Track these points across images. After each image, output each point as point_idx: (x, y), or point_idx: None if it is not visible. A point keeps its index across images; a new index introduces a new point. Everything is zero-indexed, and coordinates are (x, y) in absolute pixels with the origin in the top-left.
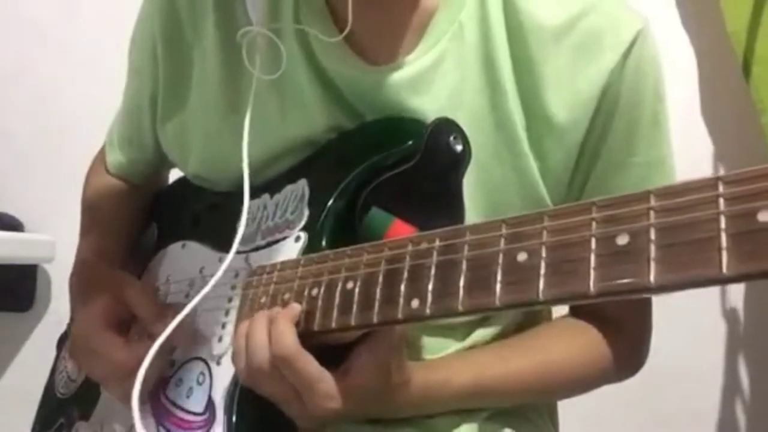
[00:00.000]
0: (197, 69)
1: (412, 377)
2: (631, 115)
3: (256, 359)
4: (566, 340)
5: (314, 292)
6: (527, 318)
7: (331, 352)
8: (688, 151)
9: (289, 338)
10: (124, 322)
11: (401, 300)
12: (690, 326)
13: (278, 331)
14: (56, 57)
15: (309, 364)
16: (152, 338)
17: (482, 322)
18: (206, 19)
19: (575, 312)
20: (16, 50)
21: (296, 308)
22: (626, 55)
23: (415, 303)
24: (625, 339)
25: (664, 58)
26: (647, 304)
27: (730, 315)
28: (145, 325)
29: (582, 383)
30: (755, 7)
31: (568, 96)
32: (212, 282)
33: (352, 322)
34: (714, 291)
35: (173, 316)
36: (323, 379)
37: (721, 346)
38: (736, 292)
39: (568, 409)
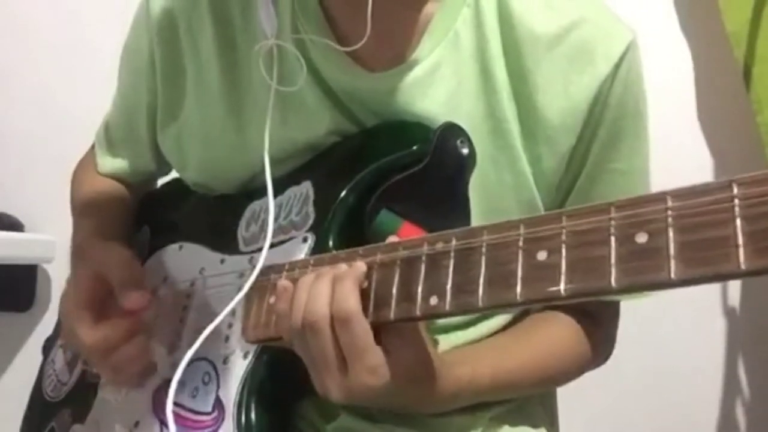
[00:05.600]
0: (190, 78)
1: (443, 372)
2: (617, 123)
3: (314, 314)
4: (558, 334)
5: None
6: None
7: None
8: (685, 152)
9: (353, 298)
10: (106, 297)
11: (419, 297)
12: (690, 326)
13: (344, 289)
14: (56, 57)
15: (366, 330)
16: (125, 314)
17: (481, 318)
18: (204, 31)
19: (555, 305)
20: (16, 50)
21: (362, 268)
22: (618, 65)
23: (433, 300)
24: (601, 330)
25: (662, 61)
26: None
27: (729, 314)
28: (117, 296)
29: (571, 373)
30: (756, 6)
31: (561, 103)
32: (249, 283)
33: (369, 319)
34: (714, 291)
35: (136, 288)
36: (374, 352)
37: (721, 345)
38: (735, 292)
39: (568, 409)
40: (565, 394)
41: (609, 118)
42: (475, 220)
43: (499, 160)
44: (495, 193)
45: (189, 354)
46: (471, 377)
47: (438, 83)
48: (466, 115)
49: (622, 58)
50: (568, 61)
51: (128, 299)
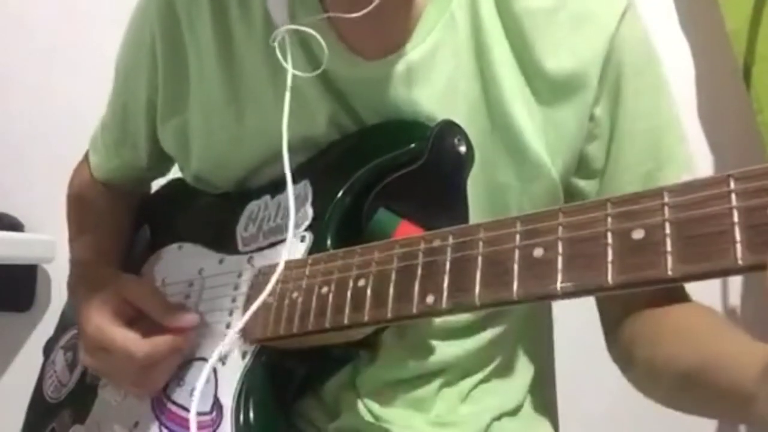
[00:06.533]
0: (193, 69)
1: None
2: (638, 85)
3: None
4: (718, 320)
5: (324, 290)
6: (528, 320)
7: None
8: None
9: None
10: (132, 319)
11: (416, 296)
12: None
13: None
14: (56, 57)
15: None
16: (167, 332)
17: (485, 325)
18: (202, 20)
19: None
20: (16, 50)
21: None
22: (621, 21)
23: (430, 299)
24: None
25: (662, 59)
26: None
27: (729, 314)
28: (157, 320)
29: None
30: (756, 6)
31: (571, 64)
32: (274, 278)
33: (366, 319)
34: (714, 290)
35: (181, 310)
36: None
37: None
38: (736, 292)
39: (568, 409)
40: (565, 394)
41: (628, 80)
42: (479, 199)
43: (502, 137)
44: (498, 170)
45: (230, 334)
46: None
47: (436, 67)
48: (465, 97)
49: (623, 15)
50: (570, 26)
51: (180, 320)
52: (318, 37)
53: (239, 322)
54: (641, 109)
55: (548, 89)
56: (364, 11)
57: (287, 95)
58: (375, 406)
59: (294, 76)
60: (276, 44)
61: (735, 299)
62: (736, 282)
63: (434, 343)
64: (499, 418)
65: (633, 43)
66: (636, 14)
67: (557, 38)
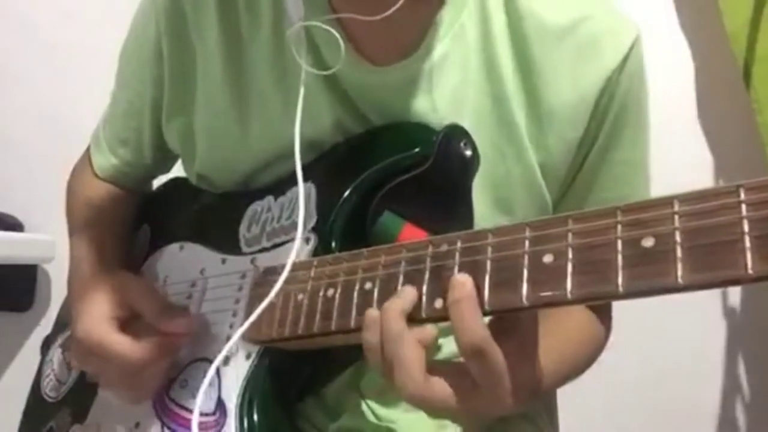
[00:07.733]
0: (200, 69)
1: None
2: (621, 115)
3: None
4: (579, 317)
5: (330, 292)
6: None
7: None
8: (685, 152)
9: (480, 325)
10: (126, 320)
11: (424, 300)
12: (690, 325)
13: (468, 319)
14: (56, 58)
15: (500, 354)
16: (159, 334)
17: None
18: (208, 19)
19: None
20: (16, 51)
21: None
22: (625, 59)
23: (438, 303)
24: (604, 316)
25: (662, 60)
26: None
27: (729, 314)
28: (150, 322)
29: (596, 355)
30: (756, 6)
31: (569, 94)
32: (281, 279)
33: None
34: (714, 291)
35: (177, 313)
36: (507, 372)
37: (721, 345)
38: (735, 292)
39: (568, 409)
40: (565, 394)
41: (614, 111)
42: (484, 212)
43: (507, 151)
44: (503, 184)
45: (227, 347)
46: (548, 368)
47: (444, 77)
48: (473, 108)
49: (629, 52)
50: (577, 53)
51: (174, 324)
52: (336, 34)
53: (243, 325)
54: (619, 140)
55: (543, 115)
56: (385, 14)
57: (301, 91)
58: (378, 407)
59: (302, 78)
60: (291, 41)
61: (735, 299)
62: None
63: (438, 341)
64: (502, 417)
65: (629, 83)
66: (641, 48)
67: (560, 66)
